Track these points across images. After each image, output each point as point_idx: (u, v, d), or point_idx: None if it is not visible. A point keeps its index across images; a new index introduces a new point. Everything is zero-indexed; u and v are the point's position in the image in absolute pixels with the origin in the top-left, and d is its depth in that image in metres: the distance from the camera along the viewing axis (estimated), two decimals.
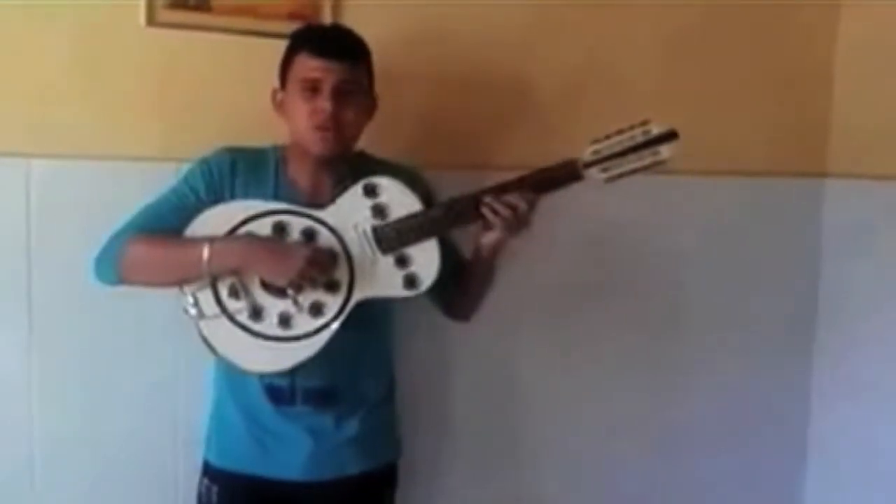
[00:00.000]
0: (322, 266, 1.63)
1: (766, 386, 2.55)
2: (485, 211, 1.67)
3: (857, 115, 2.43)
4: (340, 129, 1.69)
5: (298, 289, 1.64)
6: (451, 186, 1.76)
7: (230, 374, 1.77)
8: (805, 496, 2.62)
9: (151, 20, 1.88)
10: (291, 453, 1.77)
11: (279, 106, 1.76)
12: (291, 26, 1.82)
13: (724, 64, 2.35)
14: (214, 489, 1.82)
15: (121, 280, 1.68)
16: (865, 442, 2.44)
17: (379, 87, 1.79)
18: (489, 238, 1.72)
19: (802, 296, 2.55)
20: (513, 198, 1.66)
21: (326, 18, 1.96)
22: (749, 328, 2.50)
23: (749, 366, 2.51)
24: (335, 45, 1.69)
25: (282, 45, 1.76)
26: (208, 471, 1.85)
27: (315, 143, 1.69)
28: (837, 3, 2.46)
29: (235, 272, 1.64)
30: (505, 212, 1.66)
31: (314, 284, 1.64)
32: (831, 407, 2.55)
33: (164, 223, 1.68)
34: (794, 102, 2.46)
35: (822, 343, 2.56)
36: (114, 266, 1.66)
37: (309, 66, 1.68)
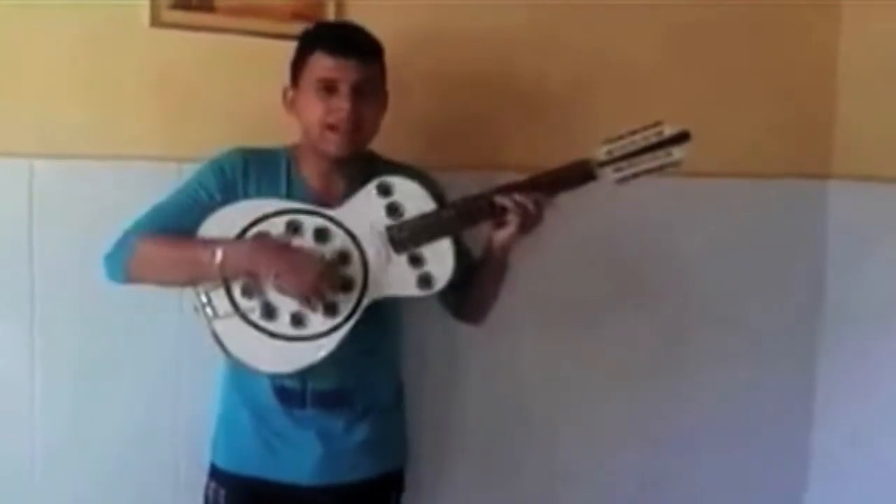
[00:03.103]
0: (333, 282, 1.62)
1: (770, 390, 2.55)
2: (502, 203, 1.68)
3: (862, 116, 2.43)
4: (358, 129, 1.68)
5: (307, 302, 1.63)
6: (460, 187, 1.76)
7: (240, 377, 1.76)
8: (806, 499, 2.63)
9: (155, 20, 1.87)
10: (301, 457, 1.76)
11: (291, 104, 1.74)
12: (295, 27, 1.82)
13: (727, 66, 2.36)
14: (222, 493, 1.81)
15: (130, 279, 1.66)
16: (869, 447, 2.44)
17: (387, 86, 1.78)
18: (502, 234, 1.72)
19: (807, 297, 2.56)
20: (528, 194, 1.68)
21: (330, 18, 1.95)
22: (753, 331, 2.50)
23: (753, 369, 2.51)
24: (351, 44, 1.68)
25: (285, 46, 1.75)
26: (215, 474, 1.83)
27: (331, 143, 1.68)
28: (839, 3, 2.47)
29: (248, 273, 1.62)
30: (520, 208, 1.67)
31: (323, 299, 1.63)
32: (834, 411, 2.55)
33: (175, 222, 1.66)
34: (799, 104, 2.46)
35: (826, 345, 2.55)
36: (124, 264, 1.65)
37: (325, 65, 1.66)
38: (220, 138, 1.80)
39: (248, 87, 1.91)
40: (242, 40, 1.93)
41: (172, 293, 1.75)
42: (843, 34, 2.48)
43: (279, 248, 1.63)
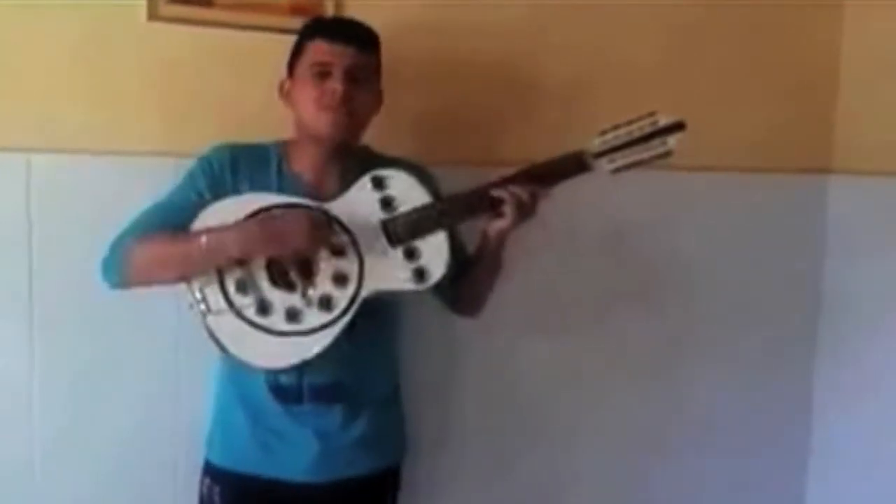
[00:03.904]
0: (323, 227, 1.61)
1: (769, 388, 2.54)
2: (497, 195, 1.67)
3: (863, 112, 2.43)
4: (350, 112, 1.68)
5: (308, 269, 1.61)
6: (456, 183, 1.75)
7: (235, 374, 1.76)
8: (806, 498, 2.62)
9: (153, 15, 1.87)
10: (297, 454, 1.75)
11: (286, 95, 1.75)
12: (294, 21, 1.82)
13: (729, 60, 2.35)
14: (217, 490, 1.80)
15: (128, 283, 1.66)
16: (869, 446, 2.44)
17: (383, 81, 1.79)
18: (497, 226, 1.72)
19: (806, 293, 2.55)
20: (523, 186, 1.67)
21: (329, 12, 1.95)
22: (753, 328, 2.49)
23: (751, 367, 2.50)
24: (348, 31, 1.70)
25: (284, 40, 1.76)
26: (210, 471, 1.83)
27: (325, 125, 1.68)
28: (841, 2, 2.47)
29: (241, 261, 1.61)
30: (515, 199, 1.66)
31: (325, 246, 1.62)
32: (834, 409, 2.54)
33: (167, 223, 1.65)
34: (800, 98, 2.46)
35: (826, 342, 2.55)
36: (119, 270, 1.65)
37: (321, 50, 1.68)
38: (218, 133, 1.79)
39: (247, 82, 1.91)
40: (241, 35, 1.92)
41: (171, 291, 1.74)
42: (844, 32, 2.48)
43: (263, 220, 1.62)
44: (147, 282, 1.67)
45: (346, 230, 1.65)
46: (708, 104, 2.25)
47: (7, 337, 1.85)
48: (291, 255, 1.61)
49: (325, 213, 1.64)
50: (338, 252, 1.65)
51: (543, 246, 2.07)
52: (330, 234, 1.63)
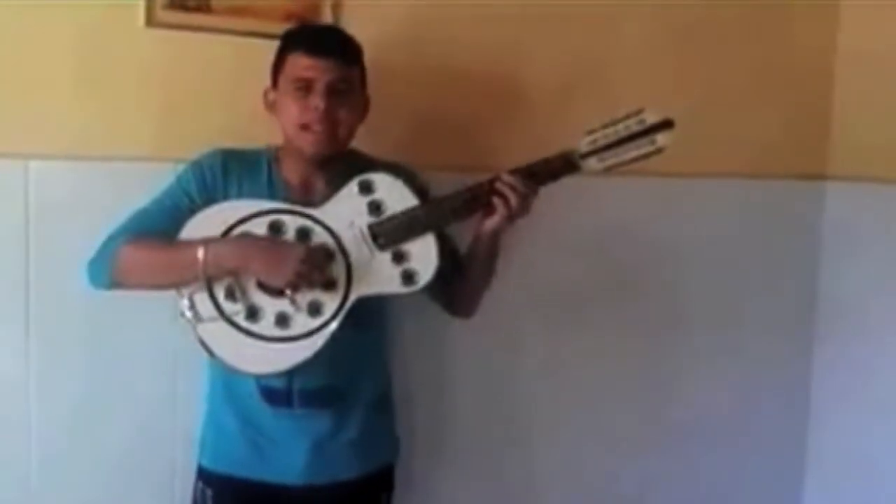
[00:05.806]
0: (318, 266, 1.62)
1: (765, 389, 2.54)
2: (487, 195, 1.66)
3: (858, 117, 2.42)
4: (333, 128, 1.68)
5: (295, 289, 1.62)
6: (444, 188, 1.74)
7: (225, 378, 1.76)
8: (804, 497, 2.62)
9: (150, 21, 1.87)
10: (289, 458, 1.76)
11: (271, 105, 1.76)
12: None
13: (722, 65, 2.34)
14: (209, 493, 1.81)
15: (114, 284, 1.67)
16: (864, 445, 2.44)
17: (374, 87, 1.78)
18: (489, 225, 1.70)
19: (801, 298, 2.55)
20: (516, 182, 1.66)
21: (326, 19, 1.96)
22: (748, 331, 2.48)
23: (748, 369, 2.50)
24: (328, 44, 1.69)
25: None
26: (202, 475, 1.83)
27: (306, 142, 1.69)
28: (837, 4, 2.46)
29: (232, 273, 1.62)
30: (506, 199, 1.65)
31: (311, 285, 1.62)
32: (830, 410, 2.55)
33: (157, 226, 1.66)
34: (795, 104, 2.45)
35: (821, 346, 2.55)
36: (107, 270, 1.65)
37: (302, 65, 1.67)
38: (216, 139, 1.80)
39: (244, 88, 1.88)
40: (239, 41, 1.93)
41: (169, 295, 1.75)
42: (840, 36, 2.47)
43: (262, 242, 1.63)
44: (134, 286, 1.67)
45: (334, 235, 1.65)
46: (703, 111, 2.23)
47: (4, 342, 1.86)
48: (280, 286, 1.62)
49: (327, 250, 1.64)
50: (326, 257, 1.65)
51: (538, 249, 2.06)
52: (321, 276, 1.62)
